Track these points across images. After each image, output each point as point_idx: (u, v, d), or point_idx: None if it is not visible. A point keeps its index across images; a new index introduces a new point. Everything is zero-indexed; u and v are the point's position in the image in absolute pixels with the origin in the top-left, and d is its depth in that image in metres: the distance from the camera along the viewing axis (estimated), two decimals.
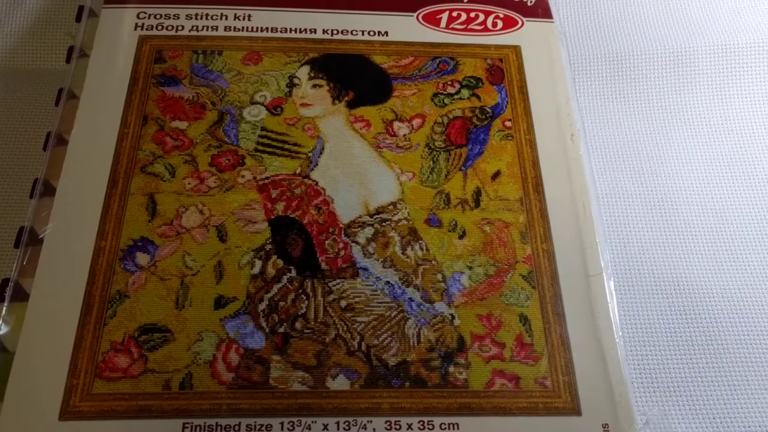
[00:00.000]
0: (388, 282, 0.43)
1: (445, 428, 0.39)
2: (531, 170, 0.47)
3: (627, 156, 0.54)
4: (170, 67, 0.50)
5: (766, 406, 0.45)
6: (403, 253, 0.44)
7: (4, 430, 0.37)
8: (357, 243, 0.44)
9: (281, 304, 0.42)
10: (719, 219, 0.52)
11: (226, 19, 0.52)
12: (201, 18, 0.52)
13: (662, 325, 0.47)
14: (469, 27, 0.53)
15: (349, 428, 0.38)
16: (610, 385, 0.40)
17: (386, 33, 0.53)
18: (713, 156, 0.55)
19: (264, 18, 0.52)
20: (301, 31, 0.52)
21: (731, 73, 0.58)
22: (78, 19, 0.52)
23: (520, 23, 0.54)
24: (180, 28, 0.51)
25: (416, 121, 0.49)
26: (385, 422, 0.38)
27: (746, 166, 0.54)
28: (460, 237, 0.45)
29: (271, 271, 0.42)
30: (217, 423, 0.38)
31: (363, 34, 0.52)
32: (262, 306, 0.41)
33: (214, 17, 0.52)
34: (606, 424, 0.39)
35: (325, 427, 0.38)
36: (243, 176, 0.46)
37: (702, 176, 0.54)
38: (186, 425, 0.38)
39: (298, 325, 0.41)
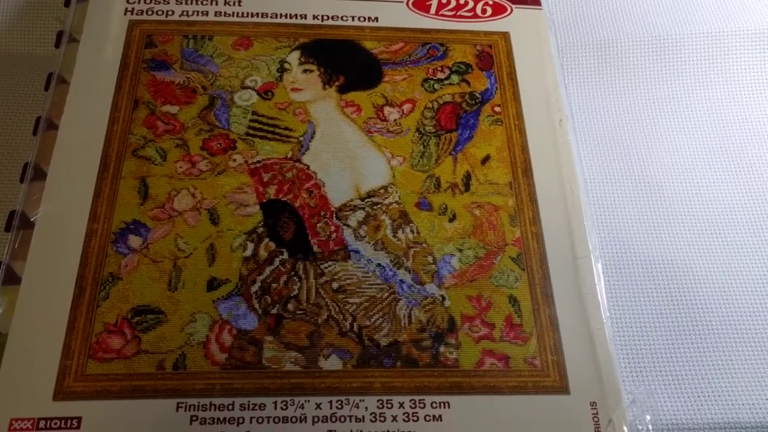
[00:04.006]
0: (379, 264, 0.43)
1: (436, 407, 0.39)
2: (520, 155, 0.48)
3: (614, 141, 0.55)
4: (160, 51, 0.50)
5: (749, 386, 0.45)
6: (394, 236, 0.44)
7: None
8: (348, 226, 0.44)
9: (274, 285, 0.42)
10: (704, 203, 0.52)
11: (216, 4, 0.52)
12: (191, 3, 0.52)
13: (649, 306, 0.48)
14: (458, 13, 0.54)
15: (342, 407, 0.39)
16: (597, 364, 0.41)
17: (376, 19, 0.53)
18: (699, 141, 0.55)
19: (254, 3, 0.52)
20: (291, 17, 0.52)
21: (717, 60, 0.58)
22: (67, 3, 0.52)
23: (509, 10, 0.54)
24: (170, 12, 0.51)
25: (406, 106, 0.49)
26: (377, 401, 0.39)
27: (731, 152, 0.55)
28: (451, 220, 0.45)
29: (263, 253, 0.43)
30: (210, 402, 0.38)
31: (353, 20, 0.52)
32: (254, 288, 0.42)
33: (204, 2, 0.52)
34: (594, 402, 0.40)
35: (318, 406, 0.38)
36: (234, 160, 0.46)
37: (687, 161, 0.54)
38: (180, 405, 0.38)
39: (290, 306, 0.41)
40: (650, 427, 0.40)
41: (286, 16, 0.52)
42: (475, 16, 0.54)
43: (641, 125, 0.56)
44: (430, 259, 0.44)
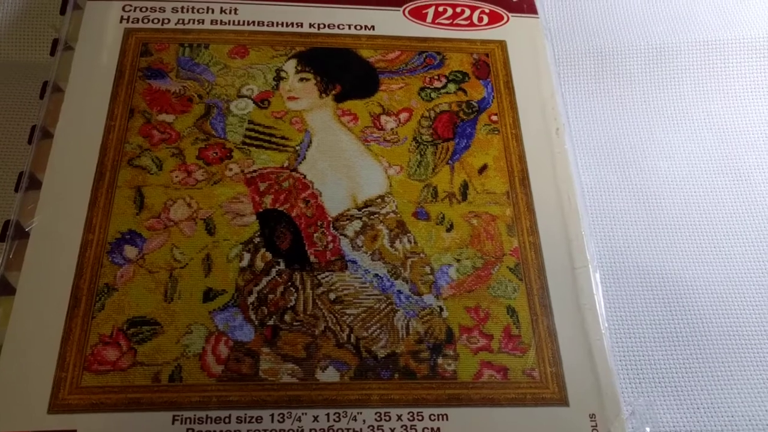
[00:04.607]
0: (376, 274, 0.43)
1: (435, 419, 0.39)
2: (517, 164, 0.48)
3: (611, 150, 0.55)
4: (156, 60, 0.49)
5: (748, 396, 0.46)
6: (391, 246, 0.44)
7: None
8: (345, 236, 0.44)
9: (270, 296, 0.42)
10: (702, 212, 0.53)
11: (213, 12, 0.52)
12: (187, 11, 0.52)
13: (647, 316, 0.48)
14: (455, 22, 0.54)
15: (339, 420, 0.38)
16: (596, 375, 0.41)
17: (373, 27, 0.53)
18: (695, 150, 0.56)
19: (250, 12, 0.52)
20: (287, 25, 0.52)
21: (713, 69, 0.59)
22: (62, 11, 0.52)
23: (505, 18, 0.54)
24: (166, 21, 0.51)
25: (403, 115, 0.49)
26: (375, 414, 0.39)
27: (728, 161, 0.55)
28: (448, 230, 0.45)
29: (259, 263, 0.42)
30: (207, 415, 0.38)
31: (350, 28, 0.52)
32: (251, 299, 0.41)
33: (200, 11, 0.52)
34: (593, 414, 0.40)
35: (315, 418, 0.38)
36: (231, 169, 0.46)
37: (684, 170, 0.54)
38: (176, 417, 0.38)
39: (287, 317, 0.41)
40: None
41: (282, 24, 0.52)
42: (472, 24, 0.54)
43: (639, 134, 0.56)
44: (427, 269, 0.43)
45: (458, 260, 0.44)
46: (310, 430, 0.38)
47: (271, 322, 0.41)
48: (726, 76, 0.58)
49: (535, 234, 0.45)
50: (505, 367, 0.41)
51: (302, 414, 0.38)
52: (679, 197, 0.53)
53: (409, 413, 0.39)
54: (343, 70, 0.51)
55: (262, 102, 0.48)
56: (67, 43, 0.50)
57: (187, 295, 0.41)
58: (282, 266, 0.43)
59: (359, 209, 0.45)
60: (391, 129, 0.48)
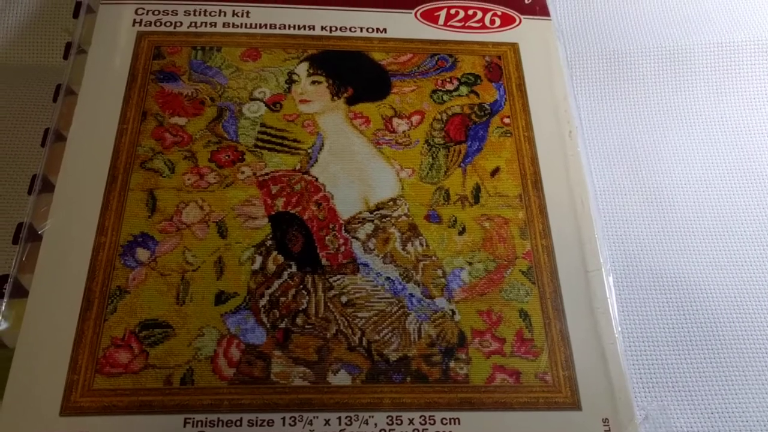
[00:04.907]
0: (388, 278, 0.43)
1: (447, 423, 0.39)
2: (530, 167, 0.47)
3: (624, 153, 0.55)
4: (169, 63, 0.50)
5: (762, 400, 0.45)
6: (403, 249, 0.44)
7: (5, 427, 0.37)
8: (357, 239, 0.44)
9: (282, 299, 0.42)
10: (716, 215, 0.52)
11: (225, 15, 0.52)
12: (199, 14, 0.52)
13: (661, 320, 0.48)
14: (467, 24, 0.54)
15: (351, 423, 0.38)
16: (609, 380, 0.40)
17: (385, 30, 0.53)
18: (709, 153, 0.55)
19: (262, 14, 0.52)
20: (299, 28, 0.52)
21: (727, 71, 0.58)
22: (75, 15, 0.52)
23: (517, 21, 0.54)
24: (178, 24, 0.51)
25: (415, 118, 0.49)
26: (387, 417, 0.39)
27: (742, 164, 0.55)
28: (460, 233, 0.45)
29: (271, 266, 0.42)
30: (218, 418, 0.38)
31: (361, 31, 0.52)
32: (263, 301, 0.41)
33: (213, 14, 0.52)
34: (606, 418, 0.39)
35: (327, 422, 0.38)
36: (243, 172, 0.46)
37: (698, 173, 0.54)
38: (187, 420, 0.38)
39: (299, 320, 0.41)
40: None
41: (294, 27, 0.52)
42: (484, 26, 0.54)
43: (652, 137, 0.56)
44: (439, 272, 0.43)
45: (470, 263, 0.44)
46: None
47: (282, 325, 0.41)
48: (739, 77, 0.58)
49: (547, 237, 0.45)
50: (517, 371, 0.41)
51: (314, 417, 0.38)
52: (693, 200, 0.53)
53: (421, 417, 0.39)
54: (355, 73, 0.51)
55: (274, 105, 0.48)
56: (80, 46, 0.50)
57: (199, 298, 0.41)
58: (294, 269, 0.43)
59: (371, 212, 0.45)
60: (403, 132, 0.48)
